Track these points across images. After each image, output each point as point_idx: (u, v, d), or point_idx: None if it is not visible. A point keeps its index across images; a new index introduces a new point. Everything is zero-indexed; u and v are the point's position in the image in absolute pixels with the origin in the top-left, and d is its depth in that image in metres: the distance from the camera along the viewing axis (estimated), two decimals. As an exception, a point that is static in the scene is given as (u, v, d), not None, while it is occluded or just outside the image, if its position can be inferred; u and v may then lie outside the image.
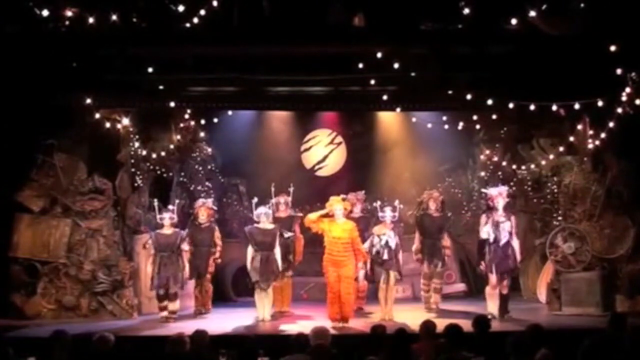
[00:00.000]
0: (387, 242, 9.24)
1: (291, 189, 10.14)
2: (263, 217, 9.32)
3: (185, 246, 9.63)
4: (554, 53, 8.50)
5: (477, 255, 9.68)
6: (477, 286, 11.79)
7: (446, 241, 10.11)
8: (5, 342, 5.87)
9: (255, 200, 9.67)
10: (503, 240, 9.09)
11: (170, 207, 9.92)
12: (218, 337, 6.99)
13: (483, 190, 9.87)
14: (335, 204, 8.96)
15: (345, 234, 8.79)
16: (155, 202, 9.99)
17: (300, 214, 9.99)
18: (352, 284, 9.00)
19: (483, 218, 9.32)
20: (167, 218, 9.56)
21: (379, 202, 9.66)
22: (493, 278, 9.14)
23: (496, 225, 9.12)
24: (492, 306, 9.18)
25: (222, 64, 8.99)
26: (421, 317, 7.20)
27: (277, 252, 9.31)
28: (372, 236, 9.38)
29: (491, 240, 9.13)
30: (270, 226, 9.35)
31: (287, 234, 9.54)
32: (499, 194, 9.26)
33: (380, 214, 9.44)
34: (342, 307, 8.71)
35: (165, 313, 9.41)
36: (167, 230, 9.53)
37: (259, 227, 9.31)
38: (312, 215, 9.03)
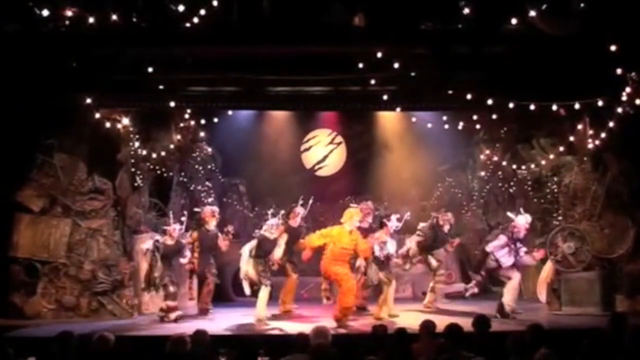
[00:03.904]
0: (387, 251, 9.41)
1: (310, 201, 10.09)
2: (274, 228, 9.33)
3: (187, 252, 9.70)
4: (554, 53, 8.51)
5: (477, 264, 9.74)
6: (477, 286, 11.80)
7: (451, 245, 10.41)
8: (5, 342, 5.85)
9: (271, 210, 9.70)
10: (507, 264, 9.21)
11: (182, 218, 9.93)
12: (218, 337, 6.99)
13: (510, 215, 9.59)
14: (355, 215, 8.98)
15: (352, 245, 8.87)
16: (171, 214, 10.04)
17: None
18: (350, 285, 9.00)
19: (502, 238, 9.23)
20: (177, 230, 9.60)
21: (384, 207, 9.69)
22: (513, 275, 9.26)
23: (514, 254, 9.19)
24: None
25: (222, 64, 9.00)
26: (421, 317, 7.20)
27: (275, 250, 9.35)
28: (374, 243, 9.34)
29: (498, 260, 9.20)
30: (275, 235, 9.37)
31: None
32: (525, 228, 9.27)
33: (385, 219, 9.54)
34: (335, 307, 8.76)
35: (173, 315, 9.37)
36: (170, 241, 9.58)
37: (266, 236, 9.30)
38: (314, 239, 9.05)
